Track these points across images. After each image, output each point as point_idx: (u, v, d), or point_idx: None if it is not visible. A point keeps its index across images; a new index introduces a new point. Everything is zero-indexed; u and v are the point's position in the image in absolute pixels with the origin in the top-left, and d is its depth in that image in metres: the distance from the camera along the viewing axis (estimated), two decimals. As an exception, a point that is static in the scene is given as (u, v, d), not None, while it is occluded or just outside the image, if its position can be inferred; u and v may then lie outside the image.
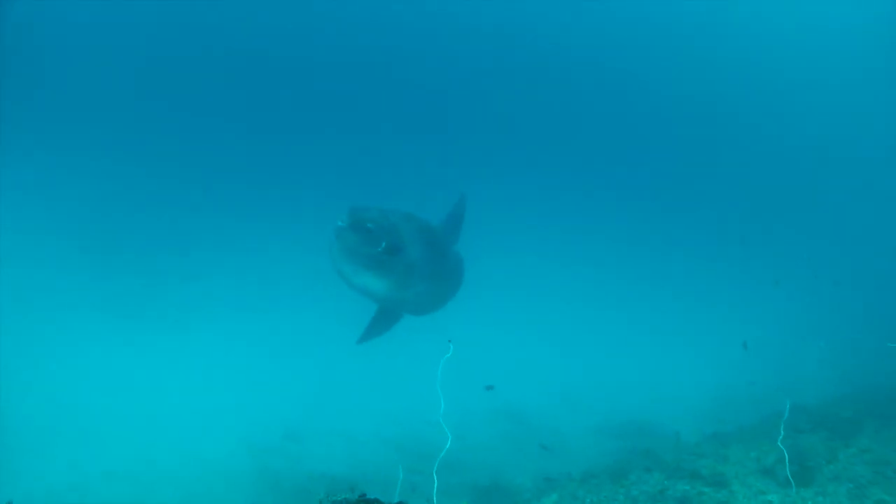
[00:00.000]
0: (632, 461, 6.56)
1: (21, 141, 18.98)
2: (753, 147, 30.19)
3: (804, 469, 5.27)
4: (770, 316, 14.64)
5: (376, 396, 10.91)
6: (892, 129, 27.36)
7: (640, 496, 5.53)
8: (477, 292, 15.33)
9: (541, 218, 23.29)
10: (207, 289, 14.88)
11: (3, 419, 8.26)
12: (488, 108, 31.73)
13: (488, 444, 9.92)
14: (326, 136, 29.33)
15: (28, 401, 9.08)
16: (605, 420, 10.69)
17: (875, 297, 15.48)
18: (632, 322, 15.38)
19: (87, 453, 8.15)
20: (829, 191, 26.95)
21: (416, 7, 29.23)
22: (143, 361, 11.21)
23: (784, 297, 15.27)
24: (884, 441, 5.73)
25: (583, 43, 30.77)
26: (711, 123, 31.05)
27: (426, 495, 8.15)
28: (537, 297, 17.11)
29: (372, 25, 29.65)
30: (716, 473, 5.82)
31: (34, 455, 7.94)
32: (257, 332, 13.26)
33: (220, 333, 12.88)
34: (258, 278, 15.81)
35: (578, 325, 15.12)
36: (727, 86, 30.70)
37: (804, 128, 30.20)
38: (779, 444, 4.93)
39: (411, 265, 7.21)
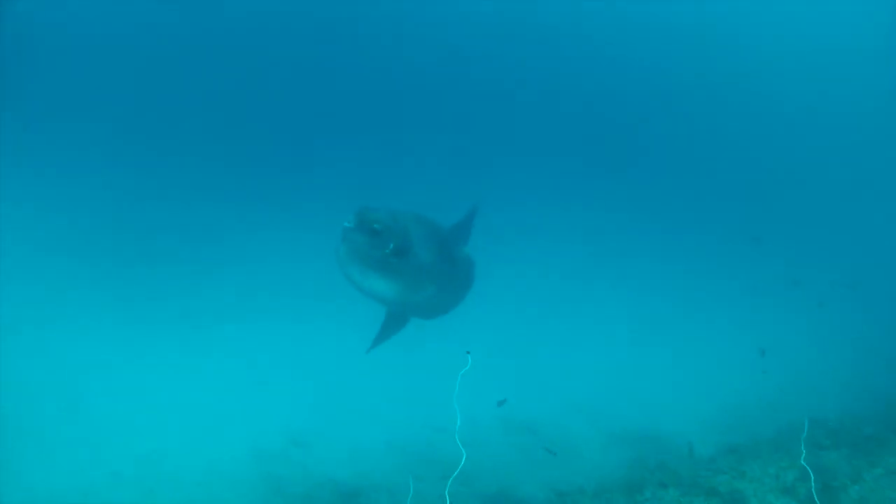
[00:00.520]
0: (646, 475, 6.39)
1: (24, 141, 18.99)
2: (765, 145, 29.92)
3: (827, 489, 5.08)
4: (787, 320, 14.31)
5: (384, 402, 10.78)
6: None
7: (654, 513, 5.36)
8: (487, 298, 15.24)
9: (551, 222, 23.07)
10: (215, 291, 14.80)
11: (7, 420, 8.18)
12: (502, 108, 31.59)
13: (497, 451, 9.76)
14: (339, 136, 29.26)
15: (32, 402, 9.02)
16: (616, 428, 10.50)
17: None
18: (643, 328, 15.15)
19: (91, 456, 8.07)
20: (848, 188, 26.66)
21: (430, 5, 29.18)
22: (150, 364, 11.13)
23: (803, 298, 14.96)
24: (913, 462, 5.52)
25: (602, 40, 30.61)
26: (726, 120, 30.79)
27: (433, 501, 8.04)
28: (547, 303, 16.92)
29: (385, 22, 29.60)
30: (733, 491, 5.64)
31: (37, 456, 7.86)
32: (265, 336, 13.15)
33: (228, 337, 12.78)
34: (267, 281, 15.72)
35: (588, 330, 14.92)
36: (732, 84, 30.48)
37: (817, 124, 29.91)
38: (802, 462, 4.74)
39: (421, 267, 7.06)
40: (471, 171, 26.21)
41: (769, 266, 19.83)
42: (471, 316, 14.67)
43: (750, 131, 30.37)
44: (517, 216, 21.23)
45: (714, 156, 30.01)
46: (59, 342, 11.24)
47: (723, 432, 10.19)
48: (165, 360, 11.28)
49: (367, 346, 8.08)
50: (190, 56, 27.80)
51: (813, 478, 4.55)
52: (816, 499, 4.63)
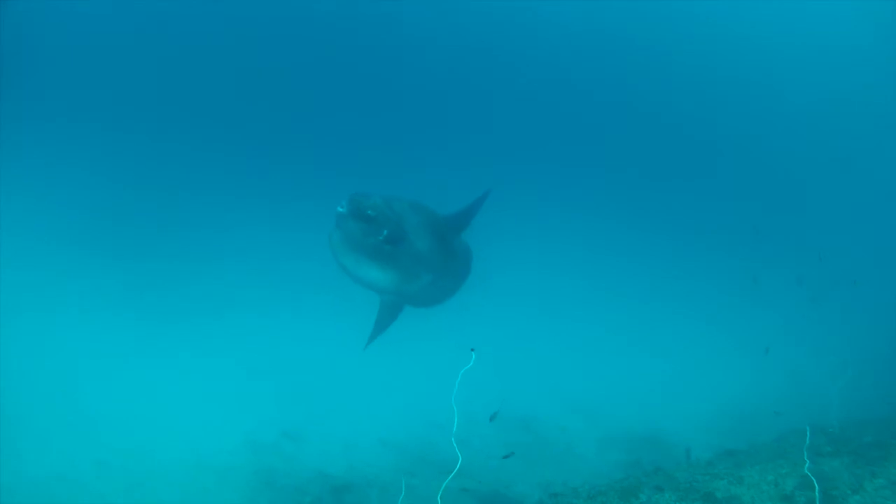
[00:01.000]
0: (642, 479, 6.26)
1: (24, 137, 18.88)
2: (766, 144, 29.81)
3: (828, 498, 4.95)
4: (787, 324, 14.17)
5: (379, 397, 10.68)
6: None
7: (650, 518, 5.25)
8: (487, 297, 15.15)
9: (553, 222, 22.97)
10: (209, 284, 14.70)
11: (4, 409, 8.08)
12: (503, 107, 31.43)
13: (491, 450, 9.64)
14: (339, 130, 29.11)
15: (22, 391, 8.91)
16: (613, 429, 10.39)
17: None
18: (642, 329, 15.05)
19: (79, 445, 7.96)
20: (850, 186, 26.60)
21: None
22: (142, 355, 11.03)
23: (805, 301, 14.82)
24: (915, 473, 5.39)
25: (609, 38, 30.45)
26: (726, 120, 30.64)
27: (424, 498, 7.94)
28: (547, 303, 16.81)
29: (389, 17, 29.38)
30: (731, 497, 5.51)
31: (25, 445, 7.76)
32: (259, 328, 13.06)
33: (222, 328, 12.68)
34: (262, 274, 15.63)
35: (587, 332, 14.81)
36: (733, 83, 30.34)
37: (819, 122, 29.81)
38: (805, 471, 4.60)
39: (416, 255, 6.87)
40: (473, 169, 26.08)
41: (770, 269, 19.75)
42: (471, 313, 14.67)
43: (750, 131, 30.26)
44: (519, 214, 21.09)
45: (715, 157, 29.91)
46: (51, 332, 11.15)
47: (720, 436, 10.10)
48: (158, 351, 11.19)
49: (362, 340, 7.90)
50: (189, 49, 27.64)
51: (818, 487, 4.40)
52: (817, 508, 4.50)
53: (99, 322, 11.95)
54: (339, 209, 6.47)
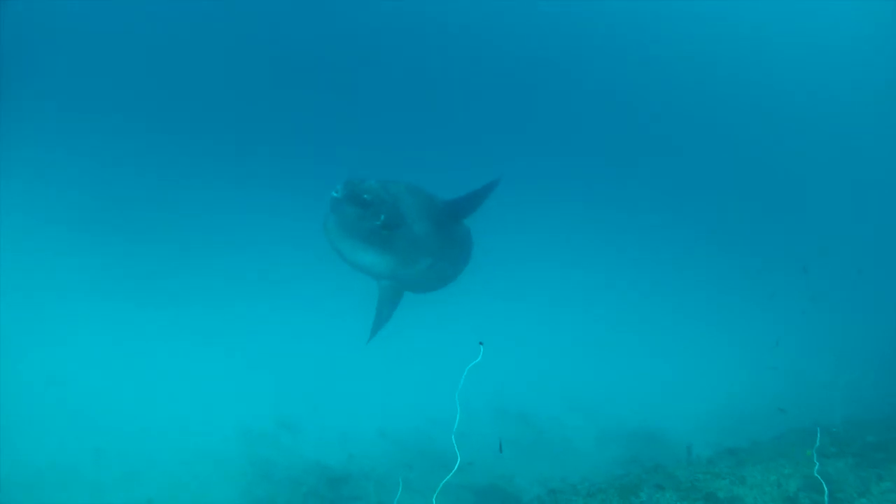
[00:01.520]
0: (642, 477, 6.18)
1: (23, 127, 18.72)
2: (770, 141, 29.72)
3: (834, 501, 4.87)
4: (790, 323, 14.08)
5: (377, 388, 10.61)
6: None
7: (650, 517, 5.17)
8: (488, 290, 15.08)
9: (554, 219, 22.86)
10: (207, 272, 14.61)
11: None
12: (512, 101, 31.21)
13: (491, 444, 9.58)
14: (340, 124, 28.89)
15: (19, 379, 8.83)
16: (613, 425, 10.33)
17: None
18: (643, 327, 14.97)
19: (76, 433, 7.89)
20: (851, 181, 26.59)
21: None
22: (139, 343, 10.95)
23: (808, 296, 14.71)
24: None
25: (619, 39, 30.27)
26: (731, 119, 30.51)
27: (422, 492, 7.88)
28: (549, 299, 16.73)
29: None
30: (733, 497, 5.44)
31: (22, 433, 7.69)
32: (258, 317, 12.98)
33: (221, 318, 12.60)
34: (261, 263, 15.54)
35: (590, 328, 14.74)
36: (738, 82, 30.20)
37: (823, 119, 29.74)
38: (815, 474, 4.51)
39: (414, 239, 6.70)
40: (483, 160, 25.94)
41: (773, 265, 19.67)
42: (471, 306, 14.61)
43: (755, 128, 30.15)
44: (523, 208, 20.97)
45: (719, 154, 29.81)
46: (47, 319, 11.06)
47: (720, 432, 10.03)
48: (155, 340, 11.11)
49: (362, 330, 7.76)
50: (190, 36, 27.38)
51: (827, 491, 4.31)
52: (823, 511, 4.42)
53: (96, 310, 11.86)
54: (334, 194, 6.30)
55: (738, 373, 12.35)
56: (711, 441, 9.36)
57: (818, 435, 5.25)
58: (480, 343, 4.73)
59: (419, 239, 6.73)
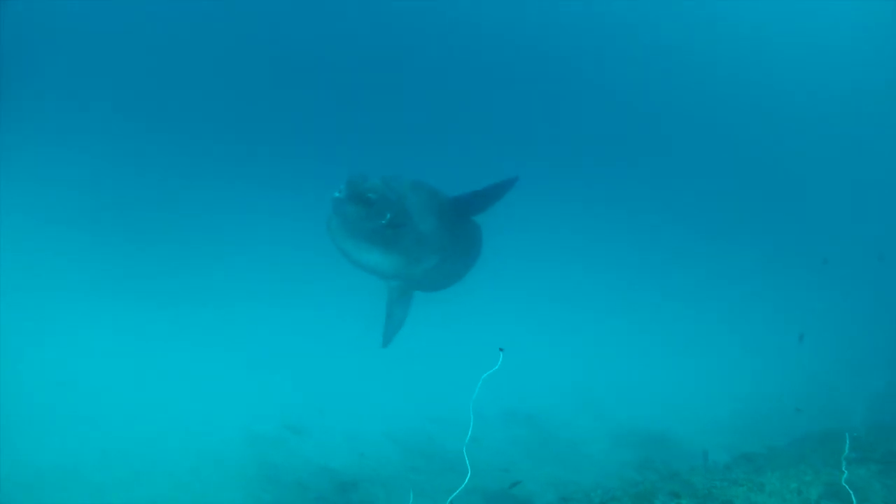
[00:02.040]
0: (657, 484, 6.02)
1: (24, 127, 18.78)
2: (780, 135, 29.51)
3: (857, 511, 4.68)
4: (809, 323, 13.80)
5: (386, 390, 10.48)
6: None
7: (666, 526, 5.01)
8: (498, 292, 14.95)
9: (567, 216, 22.68)
10: (215, 273, 14.56)
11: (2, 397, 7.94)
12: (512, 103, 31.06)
13: (501, 447, 9.45)
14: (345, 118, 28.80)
15: (23, 380, 8.79)
16: (625, 428, 10.15)
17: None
18: (656, 326, 14.78)
19: (80, 435, 7.82)
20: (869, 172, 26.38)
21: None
22: (145, 344, 10.89)
23: (832, 282, 14.45)
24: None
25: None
26: (743, 114, 30.28)
27: (433, 497, 7.75)
28: (561, 298, 16.56)
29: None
30: (752, 505, 5.26)
31: (26, 434, 7.63)
32: (265, 319, 12.89)
33: (226, 319, 12.52)
34: (269, 264, 15.47)
35: (601, 328, 14.56)
36: (744, 81, 30.00)
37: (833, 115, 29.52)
38: (843, 483, 4.32)
39: (421, 238, 6.50)
40: (494, 158, 25.78)
41: (790, 264, 19.45)
42: (483, 306, 14.47)
43: (767, 122, 29.94)
44: (534, 206, 20.78)
45: (728, 152, 29.59)
46: (52, 321, 11.02)
47: (735, 435, 9.85)
48: (160, 342, 11.04)
49: (371, 331, 7.61)
50: (191, 33, 27.42)
51: (855, 500, 4.12)
52: (850, 523, 4.23)
53: (101, 311, 11.81)
54: (337, 194, 6.16)
55: (753, 374, 12.15)
56: (726, 444, 9.18)
57: (847, 441, 5.03)
58: (501, 349, 4.55)
59: (426, 237, 6.56)
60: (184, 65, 26.92)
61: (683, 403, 10.82)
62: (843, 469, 4.51)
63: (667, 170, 28.35)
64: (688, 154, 29.52)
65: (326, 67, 29.49)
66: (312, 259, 12.40)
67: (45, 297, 11.63)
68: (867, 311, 14.90)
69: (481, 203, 6.89)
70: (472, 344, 11.53)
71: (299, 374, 10.72)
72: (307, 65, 29.25)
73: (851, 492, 4.20)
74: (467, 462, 4.17)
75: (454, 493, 4.24)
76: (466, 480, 4.07)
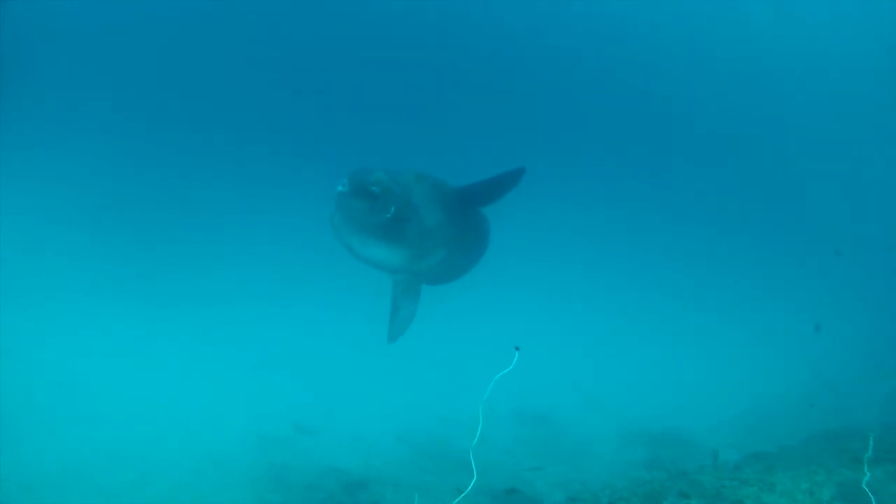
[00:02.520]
0: (666, 484, 5.95)
1: (25, 126, 18.87)
2: (786, 134, 29.26)
3: (873, 512, 4.59)
4: (822, 317, 13.62)
5: (396, 390, 10.45)
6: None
7: (675, 527, 4.95)
8: (505, 289, 14.87)
9: (574, 214, 22.56)
10: (221, 271, 14.55)
11: (1, 398, 7.97)
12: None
13: (509, 445, 9.41)
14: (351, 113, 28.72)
15: (28, 380, 8.82)
16: (635, 427, 10.08)
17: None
18: (667, 323, 14.67)
19: (86, 436, 7.84)
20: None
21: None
22: (151, 344, 10.90)
23: (846, 275, 14.27)
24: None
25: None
26: (751, 112, 30.02)
27: (441, 497, 7.72)
28: (568, 295, 16.46)
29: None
30: (762, 506, 5.19)
31: (32, 435, 7.66)
32: (273, 318, 12.87)
33: (233, 318, 12.50)
34: (276, 262, 15.44)
35: (610, 325, 14.47)
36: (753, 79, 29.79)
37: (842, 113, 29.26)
38: (864, 486, 4.22)
39: (427, 231, 6.43)
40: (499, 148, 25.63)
41: (801, 256, 19.27)
42: (491, 304, 14.41)
43: (777, 114, 29.69)
44: (541, 201, 20.68)
45: (735, 150, 29.39)
46: (58, 321, 11.05)
47: (746, 433, 9.75)
48: (167, 342, 11.05)
49: (381, 330, 7.50)
50: (193, 27, 27.38)
51: (874, 501, 4.02)
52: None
53: (105, 311, 11.84)
54: (340, 188, 6.08)
55: (763, 371, 12.04)
56: (736, 442, 9.09)
57: (871, 441, 4.90)
58: (517, 349, 4.46)
59: (432, 230, 6.47)
60: (184, 62, 26.94)
61: (693, 401, 10.73)
62: (866, 471, 4.39)
63: (675, 166, 28.20)
64: (697, 150, 29.33)
65: (329, 60, 29.41)
66: (319, 257, 12.36)
67: (47, 297, 11.66)
68: (883, 306, 14.70)
69: (488, 194, 6.76)
70: (483, 342, 11.51)
71: (307, 373, 10.71)
72: (309, 56, 29.16)
73: (872, 496, 4.10)
74: (473, 466, 4.12)
75: (457, 499, 4.19)
76: (470, 486, 4.03)
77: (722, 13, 28.60)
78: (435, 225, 6.47)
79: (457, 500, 4.30)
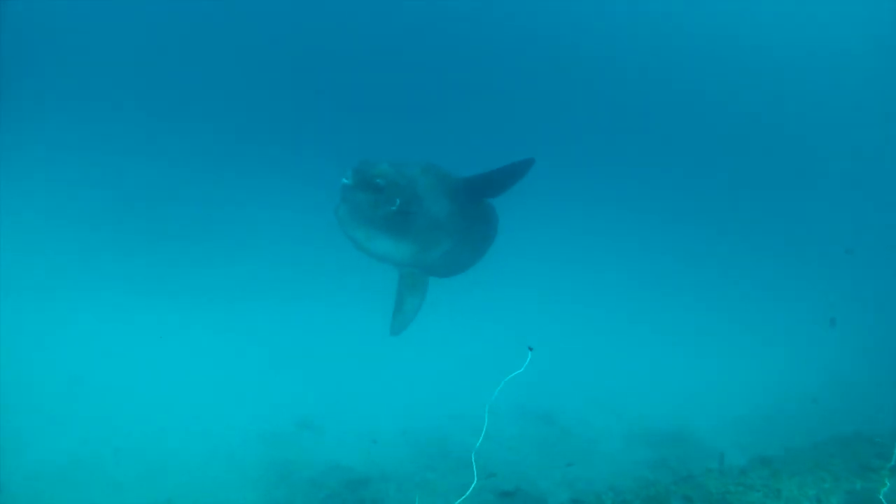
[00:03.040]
0: (670, 488, 5.90)
1: (25, 127, 18.94)
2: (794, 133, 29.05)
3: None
4: (837, 312, 13.42)
5: (400, 385, 10.43)
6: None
7: (679, 533, 4.90)
8: (514, 290, 14.81)
9: (584, 214, 22.45)
10: (229, 269, 14.57)
11: (11, 393, 8.03)
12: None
13: (514, 444, 9.38)
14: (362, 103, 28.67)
15: (38, 375, 8.88)
16: (640, 427, 10.02)
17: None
18: (673, 324, 14.55)
19: (94, 431, 7.89)
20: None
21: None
22: (158, 340, 10.91)
23: (857, 275, 14.10)
24: None
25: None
26: (757, 112, 29.80)
27: (444, 495, 7.71)
28: (574, 294, 16.38)
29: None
30: (768, 513, 5.13)
31: (41, 430, 7.71)
32: (279, 315, 12.87)
33: (240, 315, 12.52)
34: (283, 259, 15.44)
35: (617, 324, 14.37)
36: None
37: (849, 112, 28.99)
38: (880, 497, 4.14)
39: (433, 223, 6.34)
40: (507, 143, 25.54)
41: (812, 256, 19.10)
42: (495, 301, 14.36)
43: (787, 113, 29.46)
44: (548, 200, 20.59)
45: (746, 150, 29.17)
46: (67, 315, 11.11)
47: (752, 434, 9.68)
48: (175, 337, 11.08)
49: (387, 327, 7.46)
50: (201, 22, 27.40)
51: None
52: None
53: (117, 306, 11.90)
54: (345, 181, 6.02)
55: (771, 372, 11.93)
56: (743, 444, 9.03)
57: (894, 452, 4.78)
58: (530, 349, 4.37)
59: (439, 222, 6.39)
60: (183, 59, 27.01)
61: (700, 401, 10.65)
62: (886, 481, 4.29)
63: (685, 166, 28.03)
64: (704, 150, 29.17)
65: (334, 54, 29.41)
66: (326, 253, 12.36)
67: (57, 294, 11.73)
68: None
69: (496, 185, 6.62)
70: (490, 341, 11.48)
71: (313, 370, 10.71)
72: (314, 51, 29.16)
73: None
74: (474, 468, 4.09)
75: (459, 500, 4.17)
76: (470, 489, 4.00)
77: (730, 9, 28.40)
78: (441, 217, 6.39)
79: (459, 500, 4.26)
